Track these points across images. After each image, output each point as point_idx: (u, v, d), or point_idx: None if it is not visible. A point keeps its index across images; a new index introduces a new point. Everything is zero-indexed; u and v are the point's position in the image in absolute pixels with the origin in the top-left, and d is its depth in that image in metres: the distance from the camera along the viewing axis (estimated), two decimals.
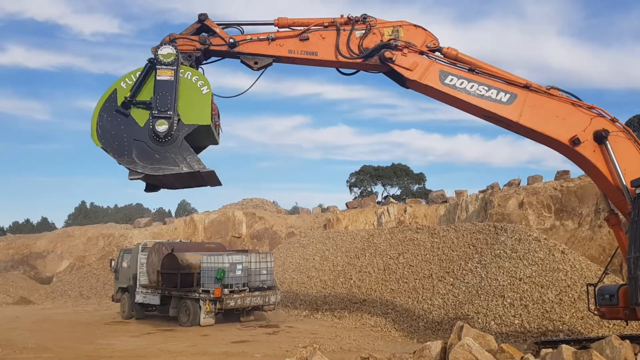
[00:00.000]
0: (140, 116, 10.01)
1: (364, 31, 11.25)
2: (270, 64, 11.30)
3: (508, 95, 11.02)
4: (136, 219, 53.40)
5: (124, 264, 24.07)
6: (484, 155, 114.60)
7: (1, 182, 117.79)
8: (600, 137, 10.69)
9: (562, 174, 30.35)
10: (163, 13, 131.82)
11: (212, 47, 11.03)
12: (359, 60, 11.22)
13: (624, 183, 10.55)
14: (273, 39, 11.13)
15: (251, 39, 11.14)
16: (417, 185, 56.26)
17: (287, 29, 11.31)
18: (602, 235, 25.32)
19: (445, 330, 16.54)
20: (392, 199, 44.72)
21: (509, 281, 17.59)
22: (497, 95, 11.01)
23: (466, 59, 11.27)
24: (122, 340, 17.28)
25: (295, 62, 11.56)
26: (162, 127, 9.74)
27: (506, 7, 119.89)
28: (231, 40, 10.97)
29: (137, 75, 10.23)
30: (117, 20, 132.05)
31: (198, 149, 11.10)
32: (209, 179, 10.53)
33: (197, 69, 11.12)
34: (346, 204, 44.86)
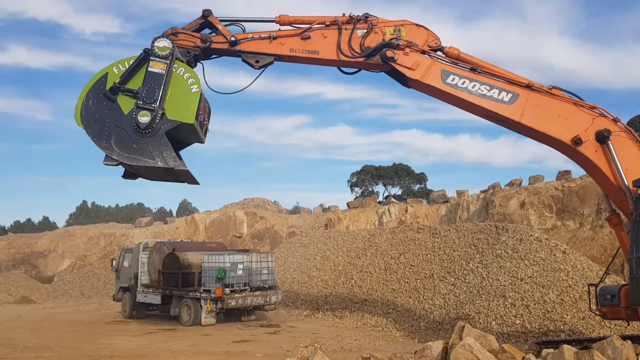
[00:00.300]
0: (125, 104, 9.97)
1: (365, 30, 11.22)
2: (271, 63, 11.27)
3: (510, 95, 11.00)
4: (137, 219, 53.40)
5: (125, 264, 24.09)
6: (485, 155, 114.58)
7: (3, 181, 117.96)
8: (602, 137, 10.68)
9: (564, 174, 30.31)
10: (164, 13, 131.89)
11: (213, 46, 11.01)
12: (361, 60, 11.20)
13: (626, 183, 10.54)
14: (274, 38, 11.10)
15: (252, 37, 11.11)
16: (418, 185, 56.25)
17: (288, 27, 11.28)
18: (604, 235, 25.29)
19: (446, 330, 16.53)
20: (393, 199, 44.70)
21: (510, 281, 17.58)
22: (499, 94, 10.99)
23: (468, 58, 11.26)
24: (123, 339, 17.29)
25: (297, 61, 11.53)
26: (144, 118, 9.69)
27: (507, 7, 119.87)
28: (232, 39, 10.94)
29: (131, 63, 10.21)
30: (118, 20, 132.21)
31: (183, 145, 11.09)
32: (184, 177, 10.51)
33: (195, 65, 11.11)
34: (347, 203, 44.85)
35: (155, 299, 21.98)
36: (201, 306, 19.90)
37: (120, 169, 10.35)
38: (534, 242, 19.08)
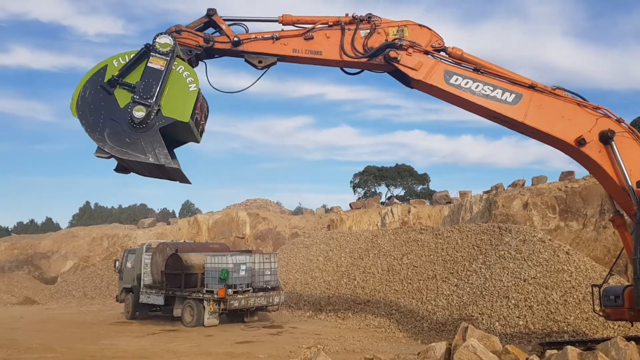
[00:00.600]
0: (122, 97, 9.99)
1: (368, 30, 11.21)
2: (274, 63, 11.27)
3: (513, 96, 10.98)
4: (140, 220, 53.42)
5: (128, 265, 24.12)
6: (488, 156, 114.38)
7: (5, 182, 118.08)
8: (606, 138, 10.65)
9: (567, 175, 30.24)
10: (166, 14, 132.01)
11: (216, 46, 11.01)
12: (364, 60, 11.18)
13: (630, 184, 10.51)
14: (277, 38, 11.10)
15: (255, 37, 11.11)
16: (421, 186, 56.21)
17: (291, 27, 11.27)
18: (607, 236, 25.23)
19: (449, 332, 16.50)
20: (395, 200, 44.65)
21: (513, 282, 17.55)
22: (502, 95, 10.97)
23: (471, 58, 11.24)
24: (126, 340, 17.31)
25: (300, 61, 11.52)
26: (139, 113, 9.70)
27: (510, 7, 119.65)
28: (235, 39, 10.94)
29: (131, 57, 10.23)
30: (121, 21, 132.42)
31: (178, 143, 11.11)
32: (175, 174, 10.51)
33: (197, 64, 11.11)
34: (350, 204, 44.81)
35: (158, 299, 22.00)
36: (204, 307, 19.90)
37: (113, 162, 10.34)
38: (537, 243, 19.05)
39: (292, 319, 21.56)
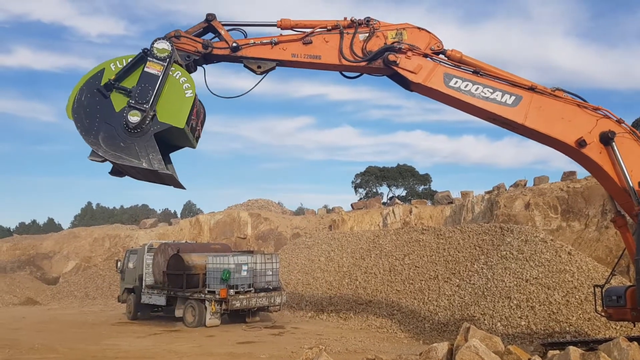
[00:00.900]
0: (118, 101, 10.00)
1: (367, 34, 11.19)
2: (273, 68, 11.25)
3: (513, 98, 10.96)
4: (142, 220, 53.48)
5: (130, 265, 24.14)
6: (490, 156, 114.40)
7: (7, 183, 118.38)
8: (606, 139, 10.63)
9: (569, 175, 30.22)
10: (168, 15, 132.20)
11: (214, 52, 11.00)
12: (363, 64, 11.16)
13: (631, 184, 10.50)
14: (276, 43, 11.07)
15: (254, 43, 11.08)
16: (422, 186, 56.20)
17: (289, 30, 11.26)
18: (609, 236, 25.21)
19: (451, 332, 16.50)
20: (397, 200, 44.65)
21: (515, 282, 17.54)
22: (502, 97, 10.95)
23: (470, 61, 11.21)
24: (127, 340, 17.33)
25: (299, 65, 11.50)
26: (134, 117, 9.71)
27: (512, 7, 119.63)
28: (234, 44, 10.92)
29: (129, 61, 10.23)
30: (123, 22, 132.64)
31: (174, 148, 11.12)
32: (169, 180, 10.52)
33: (195, 70, 11.10)
34: (351, 205, 44.81)
35: (160, 300, 22.02)
36: (206, 307, 19.92)
37: (109, 165, 10.35)
38: (539, 243, 19.03)
39: (293, 320, 21.57)
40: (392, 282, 21.77)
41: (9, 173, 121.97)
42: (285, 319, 21.73)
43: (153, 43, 10.25)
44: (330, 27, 11.20)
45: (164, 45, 10.25)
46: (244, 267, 19.96)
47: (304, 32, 11.18)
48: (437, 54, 11.28)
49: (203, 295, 20.11)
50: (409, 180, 55.81)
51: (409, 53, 11.02)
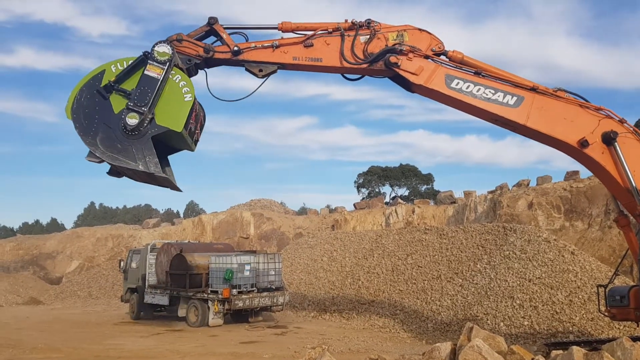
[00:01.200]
0: (117, 103, 10.01)
1: (368, 36, 11.17)
2: (274, 71, 11.22)
3: (515, 98, 10.93)
4: (145, 220, 53.55)
5: (133, 265, 24.18)
6: (493, 155, 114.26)
7: (11, 183, 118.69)
8: (608, 139, 10.59)
9: (572, 175, 30.17)
10: (170, 15, 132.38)
11: (216, 56, 11.01)
12: (364, 66, 11.13)
13: (634, 185, 10.47)
14: (277, 46, 11.05)
15: (255, 46, 11.06)
16: (425, 186, 56.21)
17: (290, 34, 11.26)
18: (612, 236, 25.16)
19: (454, 332, 16.51)
20: (400, 200, 44.64)
21: (518, 282, 17.52)
22: (503, 98, 10.91)
23: (472, 62, 11.19)
24: (131, 340, 17.36)
25: (300, 68, 11.48)
26: (132, 120, 9.72)
27: (514, 7, 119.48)
28: (235, 48, 10.93)
29: (129, 63, 10.25)
30: (125, 22, 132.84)
31: (173, 150, 11.14)
32: (165, 182, 10.55)
33: (196, 73, 11.12)
34: (354, 204, 44.81)
35: (163, 300, 22.05)
36: (208, 307, 19.95)
37: (105, 166, 10.38)
38: (542, 243, 19.01)
39: (296, 319, 21.58)
40: (395, 282, 21.77)
41: (12, 173, 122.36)
42: (288, 318, 21.74)
43: (154, 46, 10.27)
44: (331, 30, 11.18)
45: (164, 48, 10.27)
46: (247, 267, 19.99)
47: (305, 34, 11.17)
48: (439, 55, 11.25)
49: (206, 295, 20.13)
50: (411, 180, 55.83)
51: (410, 55, 10.99)
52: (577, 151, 10.86)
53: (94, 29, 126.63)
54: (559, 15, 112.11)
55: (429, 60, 11.16)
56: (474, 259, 20.47)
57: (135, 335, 18.52)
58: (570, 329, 15.07)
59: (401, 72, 11.01)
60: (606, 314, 12.28)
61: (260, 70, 11.16)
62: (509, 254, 19.25)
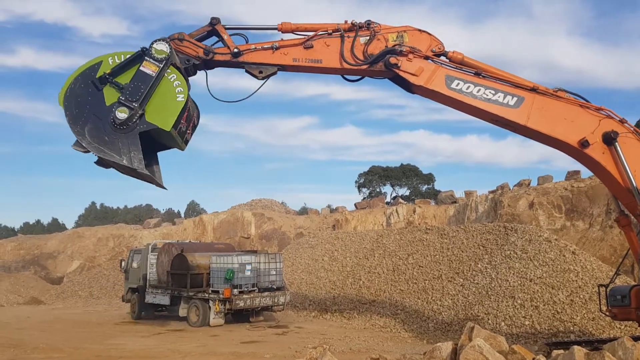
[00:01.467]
0: (110, 95, 10.04)
1: (368, 37, 11.17)
2: (274, 73, 11.22)
3: (515, 99, 10.92)
4: (146, 220, 53.59)
5: (134, 265, 24.20)
6: (494, 155, 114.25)
7: (12, 183, 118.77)
8: (609, 139, 10.59)
9: (573, 174, 30.16)
10: (171, 15, 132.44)
11: (216, 58, 11.01)
12: (364, 67, 11.12)
13: (634, 185, 10.46)
14: (277, 48, 11.05)
15: (255, 48, 11.06)
16: (426, 186, 56.23)
17: (290, 34, 11.25)
18: (613, 235, 25.16)
19: (455, 332, 16.51)
20: (401, 200, 44.64)
21: (519, 282, 17.53)
22: (504, 98, 10.91)
23: (472, 62, 11.19)
24: (132, 340, 17.37)
25: (300, 70, 11.49)
26: (121, 114, 9.75)
27: (514, 6, 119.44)
28: (235, 50, 10.94)
29: (127, 57, 10.29)
30: (126, 22, 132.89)
31: (162, 147, 11.15)
32: (148, 179, 10.56)
33: (195, 74, 11.13)
34: (355, 204, 44.82)
35: (164, 299, 22.06)
36: (209, 307, 19.96)
37: (94, 156, 10.39)
38: (543, 243, 19.01)
39: (297, 319, 21.59)
40: (396, 282, 21.78)
41: (13, 173, 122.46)
42: (289, 318, 21.75)
43: (152, 43, 10.29)
44: (331, 31, 11.18)
45: (162, 46, 10.28)
46: (248, 267, 19.99)
47: (305, 35, 11.17)
48: (439, 55, 11.24)
49: (207, 295, 20.14)
50: (412, 179, 55.85)
51: (410, 55, 10.99)
52: (577, 151, 10.85)
53: (95, 29, 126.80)
54: (559, 15, 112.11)
55: (429, 61, 11.16)
56: (475, 258, 20.47)
57: (136, 335, 18.53)
58: (572, 328, 15.08)
59: (401, 73, 11.00)
60: (607, 313, 12.29)
61: (260, 72, 11.16)
62: (510, 253, 19.25)
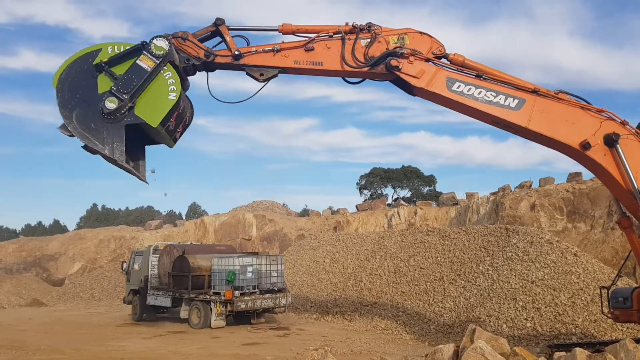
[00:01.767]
0: (103, 84, 10.09)
1: (369, 40, 11.18)
2: (275, 75, 11.23)
3: (516, 101, 10.92)
4: (147, 222, 53.66)
5: (136, 266, 24.19)
6: (495, 157, 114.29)
7: (14, 184, 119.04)
8: (610, 141, 10.59)
9: (574, 176, 30.17)
10: (172, 16, 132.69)
11: (216, 60, 11.02)
12: (365, 69, 11.13)
13: (636, 186, 10.46)
14: (278, 50, 11.06)
15: (256, 50, 11.07)
16: (427, 188, 56.26)
17: (291, 35, 11.26)
18: (615, 237, 25.13)
19: (456, 334, 16.49)
20: (402, 201, 44.64)
21: (521, 284, 17.51)
22: (505, 100, 10.91)
23: (473, 64, 11.19)
24: (133, 342, 17.37)
25: (301, 72, 11.50)
26: (110, 104, 9.79)
27: (516, 8, 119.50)
28: (236, 52, 10.94)
29: (126, 49, 10.33)
30: (127, 24, 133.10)
31: (151, 142, 11.20)
32: (129, 172, 10.57)
33: (194, 74, 11.16)
34: (356, 206, 44.85)
35: (166, 301, 22.06)
36: (211, 309, 19.94)
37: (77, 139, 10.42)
38: (545, 245, 19.00)
39: (298, 321, 21.57)
40: (397, 284, 21.76)
41: (15, 175, 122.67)
42: (291, 320, 21.73)
43: (153, 38, 10.32)
44: (332, 33, 11.19)
45: (162, 43, 10.31)
46: (249, 269, 19.98)
47: (306, 37, 11.17)
48: (440, 58, 11.25)
49: (208, 297, 20.13)
50: (413, 181, 55.88)
51: (411, 58, 10.99)
52: (579, 153, 10.85)
53: (97, 31, 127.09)
54: (561, 16, 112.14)
55: (430, 63, 11.17)
56: (477, 260, 20.46)
57: (137, 337, 18.53)
58: (573, 330, 15.06)
59: (402, 76, 11.01)
60: (609, 315, 12.29)
61: (261, 75, 11.16)
62: (512, 255, 19.24)
